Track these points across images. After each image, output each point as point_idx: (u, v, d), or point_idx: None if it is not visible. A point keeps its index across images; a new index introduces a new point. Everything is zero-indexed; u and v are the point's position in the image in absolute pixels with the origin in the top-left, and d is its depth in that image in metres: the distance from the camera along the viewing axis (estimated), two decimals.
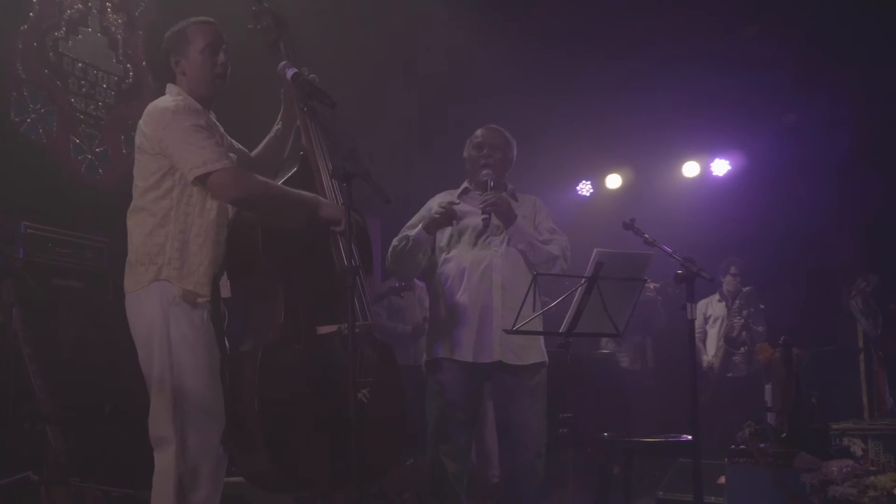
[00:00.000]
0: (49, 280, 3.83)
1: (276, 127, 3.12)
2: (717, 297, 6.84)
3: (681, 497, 4.57)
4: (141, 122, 2.75)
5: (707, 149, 7.89)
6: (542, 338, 3.51)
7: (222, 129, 2.91)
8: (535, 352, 3.48)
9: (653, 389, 6.98)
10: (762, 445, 3.76)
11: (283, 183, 2.93)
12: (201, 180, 2.66)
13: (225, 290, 2.83)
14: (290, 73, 2.91)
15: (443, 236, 3.56)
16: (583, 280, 3.10)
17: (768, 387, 4.84)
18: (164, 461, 2.58)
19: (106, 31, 4.68)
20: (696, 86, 6.61)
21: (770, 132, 7.29)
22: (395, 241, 3.58)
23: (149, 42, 4.84)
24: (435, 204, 3.64)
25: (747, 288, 6.67)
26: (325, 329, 2.82)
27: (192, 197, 2.72)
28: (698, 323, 6.88)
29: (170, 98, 2.79)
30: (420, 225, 3.50)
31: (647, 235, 3.48)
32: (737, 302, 6.70)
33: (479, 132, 3.67)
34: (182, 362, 2.62)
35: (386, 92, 5.90)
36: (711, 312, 6.87)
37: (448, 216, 3.45)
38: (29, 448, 3.34)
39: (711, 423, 5.92)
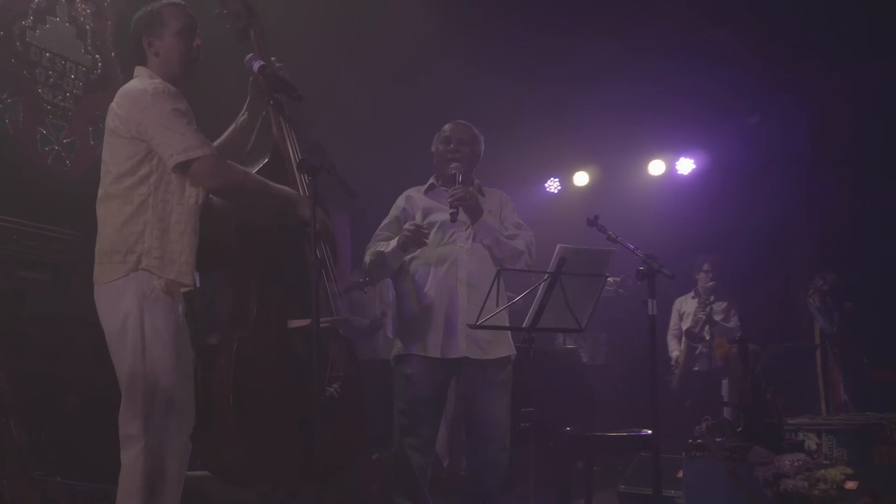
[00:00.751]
0: (15, 272, 3.80)
1: (242, 117, 3.07)
2: (691, 294, 6.94)
3: (641, 490, 4.64)
4: (114, 104, 2.68)
5: (672, 147, 8.01)
6: (509, 331, 3.55)
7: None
8: (502, 346, 3.52)
9: (613, 384, 7.08)
10: (718, 440, 3.84)
11: (255, 174, 2.89)
12: (182, 167, 2.61)
13: (196, 281, 2.79)
14: (256, 65, 2.89)
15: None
16: (545, 275, 3.15)
17: (725, 382, 4.95)
18: (131, 459, 2.55)
19: (74, 20, 4.63)
20: (662, 85, 6.70)
21: (733, 132, 7.42)
22: (369, 256, 3.59)
23: (118, 33, 4.79)
24: (403, 201, 3.67)
25: (710, 283, 6.79)
26: (295, 323, 2.83)
27: (170, 184, 2.66)
28: (674, 320, 7.01)
29: (146, 80, 2.71)
30: (395, 242, 3.49)
31: (610, 232, 3.54)
32: (700, 298, 6.82)
33: (446, 127, 3.69)
34: (155, 358, 2.58)
35: (351, 83, 5.90)
36: (685, 309, 6.97)
37: (417, 236, 3.43)
38: None
39: (675, 417, 6.03)
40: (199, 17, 2.89)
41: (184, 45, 2.76)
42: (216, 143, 3.02)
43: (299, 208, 2.80)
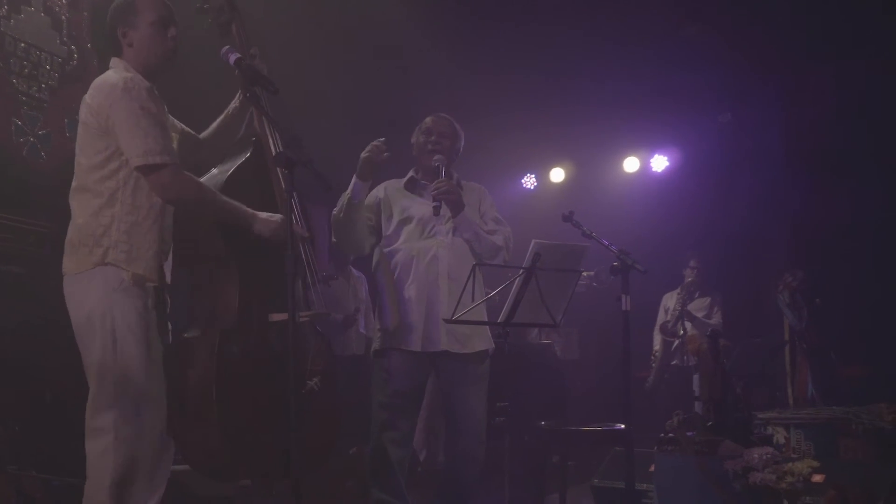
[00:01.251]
0: None
1: (233, 105, 3.08)
2: (678, 290, 6.97)
3: (615, 485, 4.68)
4: (87, 96, 2.68)
5: (647, 145, 8.07)
6: (487, 326, 3.58)
7: (165, 108, 2.84)
8: (481, 339, 3.55)
9: (587, 379, 7.14)
10: (689, 434, 3.91)
11: (236, 168, 2.92)
12: (140, 170, 2.62)
13: (168, 276, 2.81)
14: (232, 58, 2.89)
15: (388, 226, 3.61)
16: (521, 270, 3.18)
17: (696, 376, 5.02)
18: (99, 451, 2.54)
19: (49, 10, 4.58)
20: (637, 83, 6.75)
21: (707, 130, 7.51)
22: (334, 210, 3.54)
23: (94, 24, 4.76)
24: (382, 191, 3.68)
25: (690, 279, 6.85)
26: (277, 317, 2.84)
27: (139, 179, 2.66)
28: (660, 315, 7.05)
29: (120, 73, 2.70)
30: (353, 178, 3.47)
31: (585, 228, 3.58)
32: (679, 294, 6.88)
33: (428, 119, 3.70)
34: (125, 350, 2.58)
35: (327, 78, 5.90)
36: (670, 305, 7.02)
37: (375, 153, 3.41)
38: None
39: (650, 411, 6.10)
40: (182, 11, 2.88)
41: (159, 36, 2.74)
42: (206, 132, 3.04)
43: (255, 227, 2.78)
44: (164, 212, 2.73)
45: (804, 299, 5.84)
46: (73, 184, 2.70)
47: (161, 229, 2.71)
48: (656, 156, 8.07)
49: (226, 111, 3.09)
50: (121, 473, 2.54)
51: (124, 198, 2.65)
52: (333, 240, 3.64)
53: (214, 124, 3.08)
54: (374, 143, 3.43)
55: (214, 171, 2.99)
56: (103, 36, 2.86)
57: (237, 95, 3.08)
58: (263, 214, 2.81)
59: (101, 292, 2.60)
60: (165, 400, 2.68)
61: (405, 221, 3.57)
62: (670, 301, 7.03)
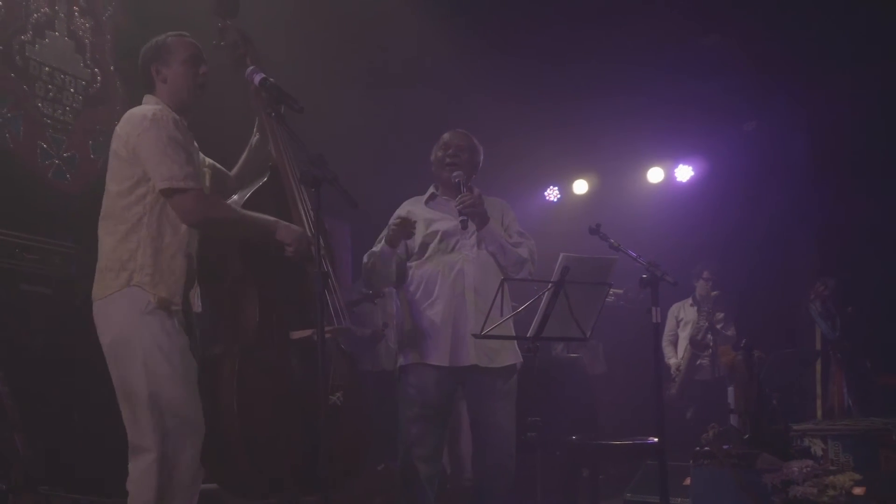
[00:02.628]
0: (16, 286, 3.81)
1: (254, 138, 3.16)
2: (689, 301, 6.90)
3: (648, 499, 4.62)
4: (118, 126, 2.78)
5: (671, 155, 8.01)
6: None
7: (196, 145, 2.93)
8: (509, 354, 3.51)
9: (613, 393, 7.06)
10: (725, 447, 3.84)
11: (253, 193, 2.99)
12: (165, 194, 2.69)
13: (196, 305, 2.83)
14: (257, 78, 2.96)
15: (413, 242, 3.59)
16: (549, 284, 3.15)
17: (731, 389, 4.95)
18: (142, 469, 2.57)
19: (73, 34, 4.63)
20: (660, 93, 6.72)
21: (731, 139, 7.44)
22: (364, 258, 3.61)
23: (117, 47, 4.81)
24: (404, 210, 3.67)
25: (715, 292, 6.77)
26: (298, 334, 2.85)
27: (165, 207, 2.72)
28: (670, 326, 6.96)
29: (150, 106, 2.82)
30: (382, 240, 3.52)
31: (612, 240, 3.55)
32: (700, 306, 6.80)
33: (446, 135, 3.70)
34: (158, 370, 2.61)
35: (351, 96, 5.92)
36: (683, 316, 6.92)
37: (403, 228, 3.46)
38: None
39: (678, 425, 6.02)
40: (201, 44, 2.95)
41: (191, 72, 2.86)
42: (234, 171, 3.13)
43: (278, 234, 2.84)
44: (191, 240, 2.78)
45: (836, 308, 5.75)
46: (101, 212, 2.78)
47: (187, 255, 2.75)
48: (681, 166, 7.99)
49: (249, 144, 3.17)
50: (161, 492, 2.56)
51: (150, 223, 2.71)
52: (364, 280, 3.74)
53: (241, 159, 3.17)
54: (403, 220, 3.47)
55: (235, 197, 3.05)
56: (126, 58, 2.92)
57: (255, 128, 3.15)
58: (284, 223, 2.87)
59: (128, 314, 2.64)
60: (202, 419, 2.68)
61: (429, 237, 3.56)
62: (682, 312, 6.94)
